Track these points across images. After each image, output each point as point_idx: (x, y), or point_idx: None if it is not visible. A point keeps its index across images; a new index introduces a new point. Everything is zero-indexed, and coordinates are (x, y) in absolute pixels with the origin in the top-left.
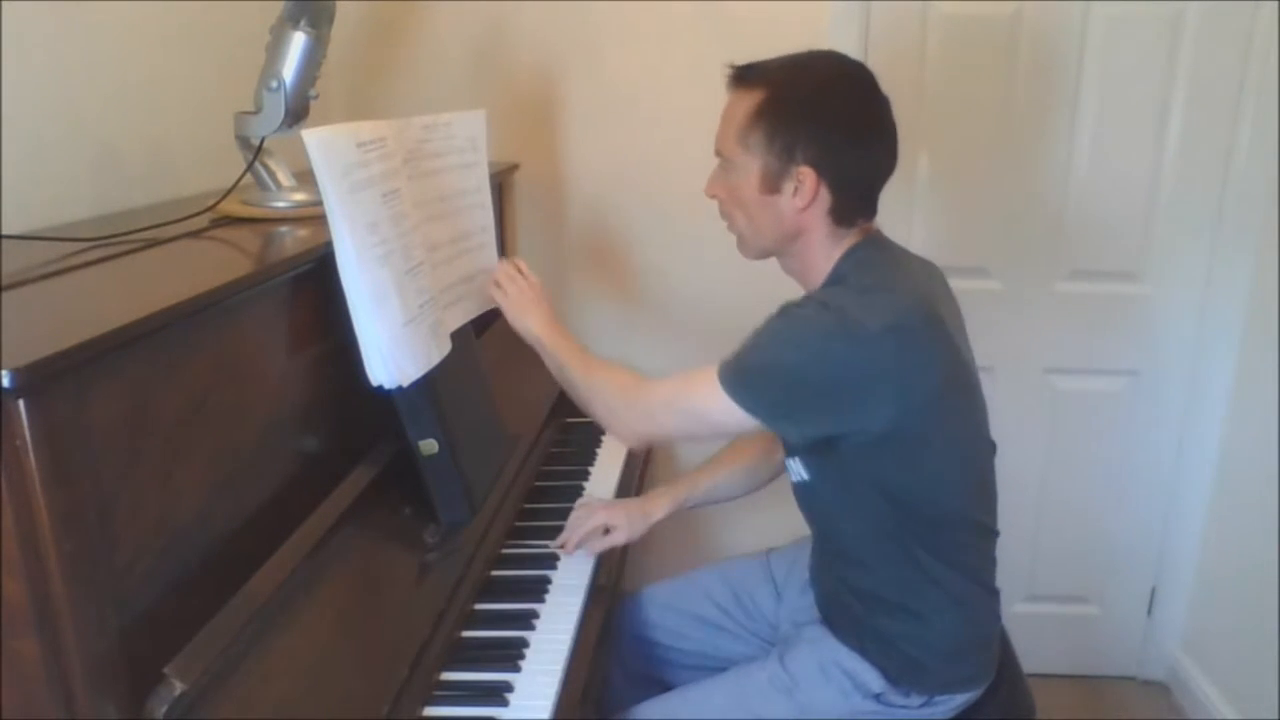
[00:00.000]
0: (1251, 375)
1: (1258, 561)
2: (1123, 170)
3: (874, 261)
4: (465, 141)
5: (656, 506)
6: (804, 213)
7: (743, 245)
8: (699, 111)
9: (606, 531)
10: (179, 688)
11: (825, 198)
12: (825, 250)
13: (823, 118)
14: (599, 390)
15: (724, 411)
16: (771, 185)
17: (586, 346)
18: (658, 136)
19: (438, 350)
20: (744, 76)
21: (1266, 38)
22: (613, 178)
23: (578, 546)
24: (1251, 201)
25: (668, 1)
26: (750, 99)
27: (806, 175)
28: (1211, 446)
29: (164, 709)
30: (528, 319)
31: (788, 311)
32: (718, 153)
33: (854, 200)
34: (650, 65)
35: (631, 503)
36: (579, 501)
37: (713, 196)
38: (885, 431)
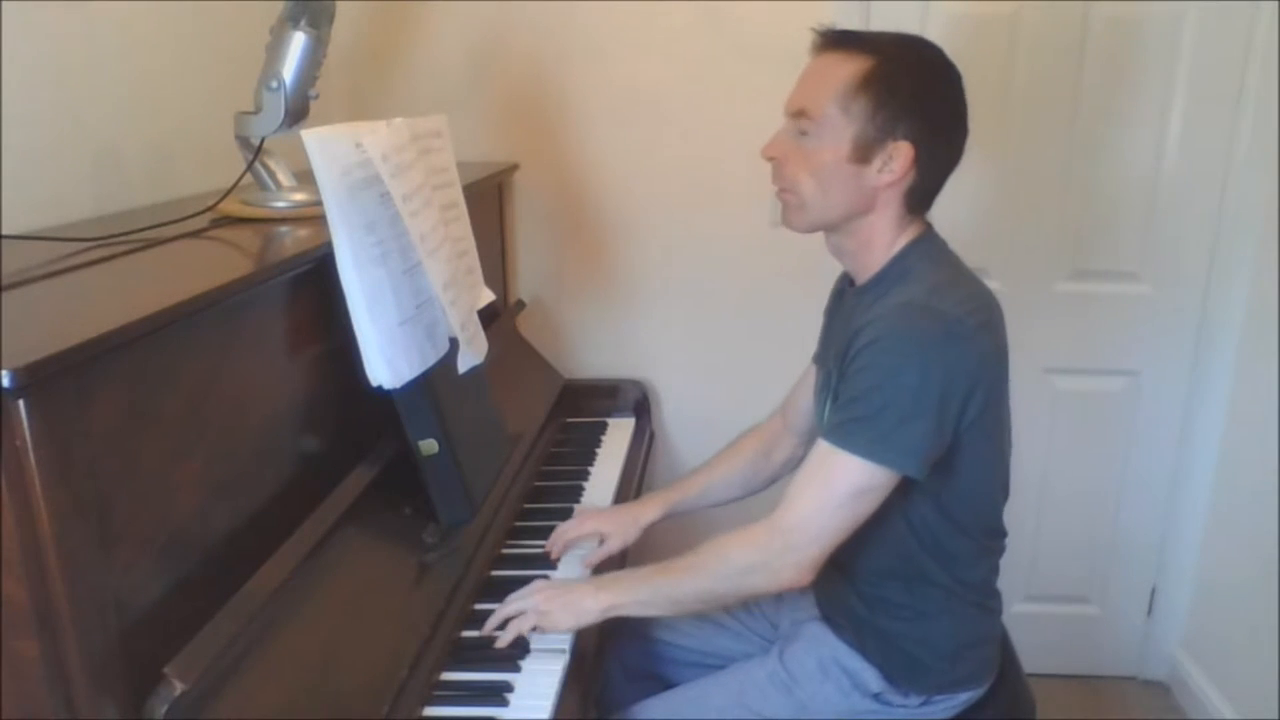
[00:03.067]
0: (1251, 375)
1: (1258, 561)
2: (1123, 170)
3: (939, 257)
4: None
5: (647, 510)
6: (885, 189)
7: (799, 213)
8: (699, 111)
9: (600, 543)
10: (179, 688)
11: (910, 178)
12: (889, 234)
13: (931, 99)
14: (735, 571)
15: (881, 484)
16: (862, 155)
17: (640, 564)
18: (658, 136)
19: (434, 351)
20: (848, 40)
21: (1266, 38)
22: (613, 177)
23: (565, 550)
24: (1251, 201)
25: (668, 1)
26: (856, 63)
27: (904, 150)
28: (1211, 446)
29: (164, 709)
30: (583, 607)
31: (880, 339)
32: (800, 112)
33: (931, 187)
34: (650, 65)
35: (622, 508)
36: (576, 510)
37: (771, 158)
38: (961, 434)
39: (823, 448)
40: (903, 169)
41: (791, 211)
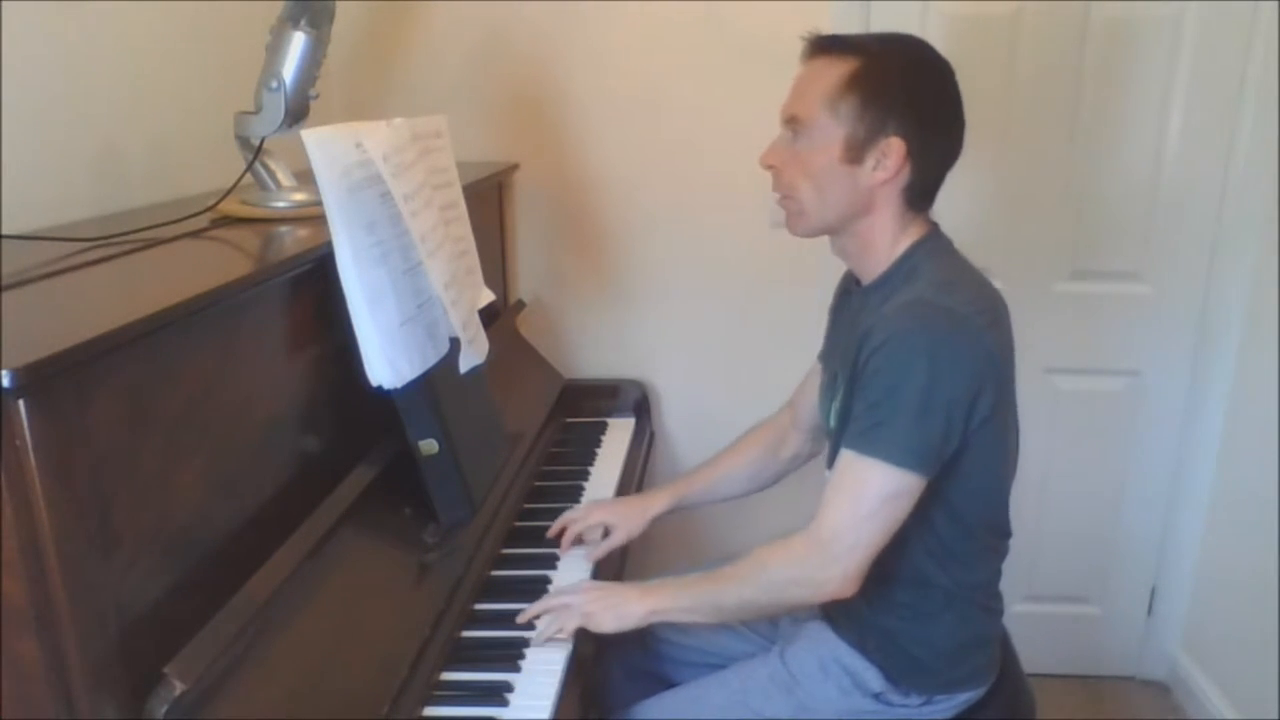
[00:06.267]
0: (1251, 375)
1: (1258, 561)
2: (1123, 170)
3: (944, 257)
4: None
5: (655, 501)
6: (881, 187)
7: (799, 219)
8: (700, 111)
9: (605, 534)
10: (179, 688)
11: (905, 175)
12: (891, 233)
13: (918, 94)
14: (777, 583)
15: (910, 488)
16: (854, 155)
17: (684, 572)
18: (658, 136)
19: (434, 351)
20: (833, 45)
21: (1266, 38)
22: (613, 177)
23: (571, 543)
24: (1251, 201)
25: (668, 2)
26: (842, 66)
27: (895, 147)
28: (1211, 446)
29: (164, 709)
30: (628, 610)
31: (890, 340)
32: (792, 119)
33: (929, 183)
34: (650, 65)
35: (629, 499)
36: (584, 501)
37: (769, 167)
38: (970, 434)
39: (848, 456)
40: (896, 165)
41: (792, 218)
